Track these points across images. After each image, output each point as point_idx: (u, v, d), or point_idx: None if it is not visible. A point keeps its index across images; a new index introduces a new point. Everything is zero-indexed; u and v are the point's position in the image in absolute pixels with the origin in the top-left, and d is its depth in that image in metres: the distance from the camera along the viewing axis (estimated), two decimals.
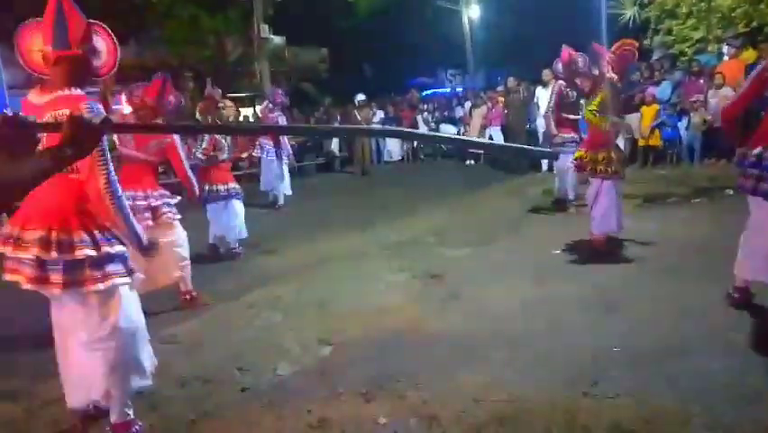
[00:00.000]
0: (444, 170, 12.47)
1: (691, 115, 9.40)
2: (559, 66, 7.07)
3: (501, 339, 3.40)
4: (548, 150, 4.77)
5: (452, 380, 2.95)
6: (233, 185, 5.91)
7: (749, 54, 9.49)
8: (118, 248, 2.48)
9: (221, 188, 5.76)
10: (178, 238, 4.29)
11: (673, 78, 10.38)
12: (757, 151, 3.20)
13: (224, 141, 5.72)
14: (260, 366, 3.29)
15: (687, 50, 10.75)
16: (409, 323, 3.81)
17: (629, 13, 12.16)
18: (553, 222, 6.68)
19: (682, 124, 9.65)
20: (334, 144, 14.58)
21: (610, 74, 4.92)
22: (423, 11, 18.13)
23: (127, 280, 2.51)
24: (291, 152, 9.03)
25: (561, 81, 6.93)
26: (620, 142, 6.38)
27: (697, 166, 9.26)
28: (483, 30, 19.64)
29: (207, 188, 5.66)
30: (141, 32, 12.89)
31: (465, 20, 19.55)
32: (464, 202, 8.36)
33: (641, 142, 9.87)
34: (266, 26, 13.26)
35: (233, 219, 5.90)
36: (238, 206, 5.96)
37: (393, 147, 14.78)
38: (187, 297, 4.45)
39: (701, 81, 9.74)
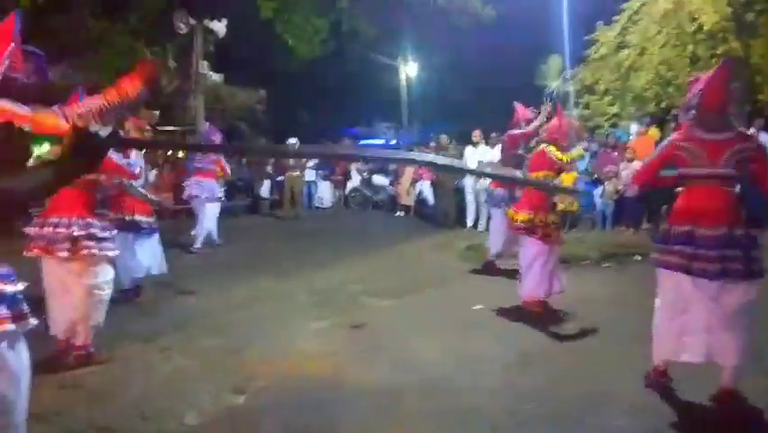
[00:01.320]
0: (374, 220, 12.58)
1: (605, 184, 10.08)
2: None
3: (421, 393, 3.38)
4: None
5: (370, 431, 2.89)
6: (148, 218, 5.46)
7: (654, 132, 10.42)
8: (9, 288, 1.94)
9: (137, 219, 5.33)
10: (96, 278, 3.77)
11: (590, 149, 11.16)
12: (687, 228, 3.10)
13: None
14: (166, 415, 3.09)
15: (604, 123, 11.63)
16: (328, 372, 3.72)
17: (553, 85, 13.09)
18: (477, 277, 6.84)
19: (597, 192, 10.31)
20: (265, 187, 14.41)
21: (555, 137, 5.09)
22: (362, 63, 18.67)
23: (11, 327, 1.90)
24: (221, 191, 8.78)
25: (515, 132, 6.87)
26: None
27: (608, 232, 9.86)
28: (419, 86, 20.44)
29: (123, 217, 5.18)
30: (76, 55, 12.43)
31: (402, 76, 20.29)
32: (391, 253, 8.44)
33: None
34: (205, 63, 13.16)
35: (140, 255, 5.44)
36: (151, 241, 5.58)
37: (324, 194, 14.80)
38: (82, 352, 3.78)
39: (615, 154, 10.52)
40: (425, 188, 12.44)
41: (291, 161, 12.90)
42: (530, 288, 5.01)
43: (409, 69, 20.44)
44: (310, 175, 14.74)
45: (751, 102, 10.16)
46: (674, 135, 3.30)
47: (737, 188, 3.15)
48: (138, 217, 5.33)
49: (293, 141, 12.17)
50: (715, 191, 3.09)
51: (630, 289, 5.61)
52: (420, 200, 12.65)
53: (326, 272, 6.88)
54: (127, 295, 5.38)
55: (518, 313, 5.04)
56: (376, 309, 5.34)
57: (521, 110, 6.97)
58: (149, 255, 5.54)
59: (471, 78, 17.84)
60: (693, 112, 3.13)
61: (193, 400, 3.29)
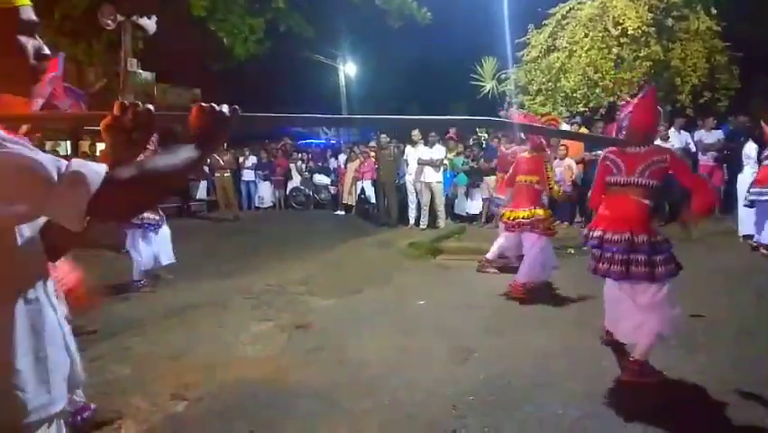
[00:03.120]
0: (315, 219, 12.50)
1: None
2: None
3: (364, 391, 3.40)
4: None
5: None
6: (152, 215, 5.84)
7: (583, 131, 10.90)
8: None
9: None
10: None
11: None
12: (599, 232, 3.49)
13: None
14: (101, 427, 2.95)
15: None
16: (271, 375, 3.67)
17: (488, 85, 13.44)
18: (419, 274, 6.93)
19: None
20: (201, 188, 14.03)
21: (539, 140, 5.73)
22: (301, 63, 18.50)
23: None
24: None
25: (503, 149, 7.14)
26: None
27: None
28: (358, 86, 20.49)
29: None
30: None
31: (341, 75, 20.26)
32: (334, 252, 8.40)
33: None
34: (134, 60, 12.65)
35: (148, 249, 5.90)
36: (159, 235, 5.95)
37: (265, 193, 14.57)
38: None
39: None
40: (367, 186, 12.48)
41: (221, 161, 12.63)
42: (531, 274, 5.50)
43: (348, 69, 20.44)
44: (249, 175, 14.49)
45: (671, 102, 10.81)
46: (605, 151, 3.74)
47: (649, 200, 3.48)
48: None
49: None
50: (626, 199, 3.46)
51: (565, 281, 5.85)
52: (362, 199, 12.68)
53: (267, 274, 6.77)
54: (136, 285, 5.92)
55: (459, 308, 5.16)
56: (318, 309, 5.31)
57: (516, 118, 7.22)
58: (156, 248, 5.93)
59: (409, 79, 18.06)
60: (623, 132, 3.53)
61: (130, 409, 3.17)
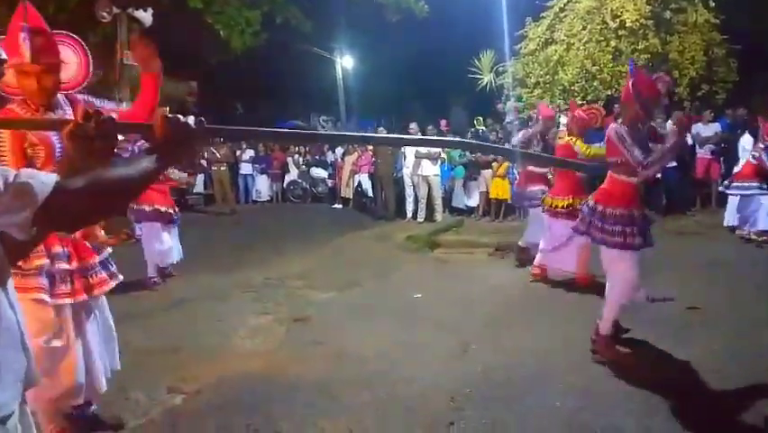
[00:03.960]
0: (313, 212, 12.49)
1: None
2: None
3: (363, 383, 3.40)
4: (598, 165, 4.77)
5: (313, 426, 2.88)
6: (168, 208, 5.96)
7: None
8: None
9: None
10: None
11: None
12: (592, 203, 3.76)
13: None
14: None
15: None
16: (270, 368, 3.68)
17: (486, 78, 13.41)
18: (417, 267, 6.94)
19: None
20: (198, 182, 13.98)
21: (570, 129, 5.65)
22: (298, 56, 18.40)
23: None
24: None
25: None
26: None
27: None
28: (356, 80, 20.38)
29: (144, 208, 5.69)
30: None
31: (338, 69, 20.17)
32: (331, 245, 8.40)
33: (492, 195, 10.69)
34: (129, 53, 12.58)
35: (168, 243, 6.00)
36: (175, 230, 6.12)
37: (262, 187, 14.54)
38: None
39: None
40: (364, 179, 12.47)
41: (217, 154, 12.58)
42: (562, 262, 5.52)
43: (346, 63, 20.34)
44: (247, 168, 14.45)
45: (669, 95, 10.79)
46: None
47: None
48: (159, 207, 5.76)
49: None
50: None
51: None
52: (359, 192, 12.67)
53: (265, 267, 6.77)
54: (150, 282, 5.91)
55: (457, 301, 5.17)
56: (316, 303, 5.31)
57: (543, 108, 7.05)
58: (175, 243, 6.05)
59: (407, 72, 17.98)
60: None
61: (128, 403, 3.17)
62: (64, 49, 2.57)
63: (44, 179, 1.03)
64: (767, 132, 6.94)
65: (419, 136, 10.35)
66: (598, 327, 3.72)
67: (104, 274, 2.68)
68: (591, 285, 5.15)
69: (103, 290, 2.68)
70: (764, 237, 6.99)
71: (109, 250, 2.77)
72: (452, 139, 9.41)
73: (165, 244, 5.91)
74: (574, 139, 5.50)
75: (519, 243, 6.58)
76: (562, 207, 5.50)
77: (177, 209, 6.16)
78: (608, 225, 3.59)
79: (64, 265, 2.49)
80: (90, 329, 2.66)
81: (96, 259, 2.66)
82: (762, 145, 7.02)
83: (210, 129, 1.33)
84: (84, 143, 1.22)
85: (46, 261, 2.43)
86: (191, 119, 1.26)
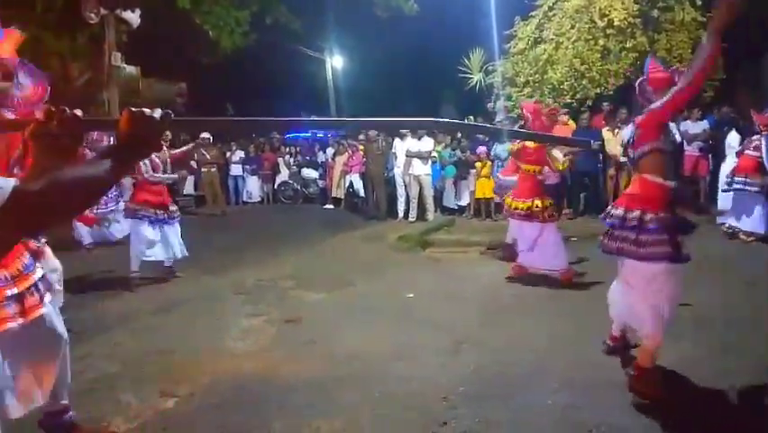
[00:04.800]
0: (304, 213, 12.46)
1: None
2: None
3: (356, 383, 3.40)
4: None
5: (307, 427, 2.88)
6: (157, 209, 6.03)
7: (570, 123, 10.95)
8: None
9: None
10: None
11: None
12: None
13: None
14: (90, 423, 2.92)
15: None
16: (262, 370, 3.67)
17: (476, 78, 13.43)
18: (409, 267, 6.94)
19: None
20: (189, 183, 13.90)
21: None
22: (288, 56, 18.36)
23: None
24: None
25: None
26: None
27: None
28: (346, 79, 20.38)
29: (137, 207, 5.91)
30: None
31: (329, 68, 20.14)
32: (323, 246, 8.39)
33: (478, 195, 10.72)
34: (118, 54, 12.48)
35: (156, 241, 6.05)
36: (171, 228, 6.13)
37: (253, 188, 14.48)
38: None
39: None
40: (355, 180, 12.45)
41: (207, 156, 12.50)
42: (533, 262, 5.69)
43: (336, 62, 20.32)
44: (237, 170, 14.38)
45: None
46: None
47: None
48: (152, 207, 5.89)
49: (205, 135, 11.16)
50: (634, 178, 3.33)
51: None
52: (350, 192, 12.65)
53: (257, 268, 6.75)
54: (133, 278, 5.92)
55: (449, 300, 5.18)
56: (308, 303, 5.30)
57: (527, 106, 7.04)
58: (169, 241, 6.04)
59: (397, 72, 18.00)
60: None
61: (119, 406, 3.15)
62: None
63: (1, 183, 1.00)
64: (762, 122, 6.97)
65: (402, 119, 10.31)
66: (637, 363, 3.19)
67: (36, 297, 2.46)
68: (575, 283, 5.19)
69: (36, 313, 2.43)
70: (752, 238, 7.03)
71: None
72: (429, 119, 9.43)
73: (150, 241, 5.91)
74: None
75: (507, 240, 6.62)
76: (522, 210, 5.69)
77: (173, 209, 6.16)
78: (649, 236, 3.05)
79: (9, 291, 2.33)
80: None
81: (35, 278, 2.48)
82: (756, 136, 7.05)
83: (177, 120, 1.31)
84: (48, 142, 1.19)
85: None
86: (158, 112, 1.23)
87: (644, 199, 3.14)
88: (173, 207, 6.20)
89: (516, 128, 7.17)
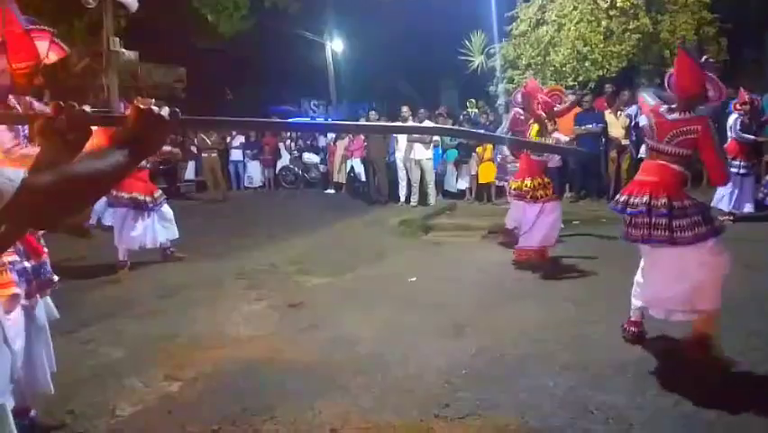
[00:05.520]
0: (306, 198, 12.46)
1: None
2: (518, 96, 6.59)
3: (358, 367, 3.43)
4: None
5: (309, 410, 2.90)
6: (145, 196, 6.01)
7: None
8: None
9: None
10: None
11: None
12: (623, 198, 3.45)
13: None
14: (96, 409, 2.96)
15: None
16: (265, 354, 3.69)
17: (477, 60, 13.31)
18: (411, 251, 6.95)
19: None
20: (189, 169, 13.89)
21: (539, 111, 5.64)
22: (287, 40, 18.21)
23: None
24: None
25: (517, 109, 6.56)
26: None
27: None
28: (346, 63, 20.20)
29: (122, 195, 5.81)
30: None
31: (328, 52, 19.97)
32: (325, 231, 8.40)
33: (481, 180, 10.69)
34: (116, 39, 12.40)
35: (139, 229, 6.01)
36: (155, 215, 6.09)
37: (254, 173, 14.46)
38: None
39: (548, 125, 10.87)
40: (357, 164, 12.43)
41: (208, 141, 12.47)
42: (539, 239, 5.62)
43: (335, 46, 20.14)
44: (237, 155, 14.36)
45: (660, 75, 10.78)
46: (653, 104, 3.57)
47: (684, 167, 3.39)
48: (137, 195, 5.84)
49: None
50: (655, 164, 3.41)
51: (563, 253, 5.92)
52: (352, 177, 12.63)
53: (258, 254, 6.76)
54: (121, 265, 5.96)
55: (451, 284, 5.19)
56: (310, 288, 5.32)
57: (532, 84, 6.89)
58: (152, 228, 6.03)
59: (398, 55, 17.83)
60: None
61: (124, 391, 3.18)
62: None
63: (10, 175, 0.99)
64: (741, 100, 7.10)
65: (408, 124, 10.34)
66: (701, 330, 3.34)
67: (48, 276, 2.64)
68: (576, 266, 5.18)
69: (47, 292, 2.65)
70: (726, 217, 6.99)
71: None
72: (435, 126, 9.50)
73: (137, 230, 5.92)
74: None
75: (507, 225, 6.60)
76: (515, 190, 5.75)
77: (157, 195, 6.13)
78: (687, 220, 3.24)
79: (24, 263, 2.43)
80: (33, 331, 2.59)
81: (46, 259, 2.61)
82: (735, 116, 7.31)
83: (186, 120, 1.30)
84: (56, 138, 1.18)
85: (16, 257, 2.37)
86: (165, 110, 1.23)
87: (668, 186, 3.31)
88: (157, 193, 6.16)
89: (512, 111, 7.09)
